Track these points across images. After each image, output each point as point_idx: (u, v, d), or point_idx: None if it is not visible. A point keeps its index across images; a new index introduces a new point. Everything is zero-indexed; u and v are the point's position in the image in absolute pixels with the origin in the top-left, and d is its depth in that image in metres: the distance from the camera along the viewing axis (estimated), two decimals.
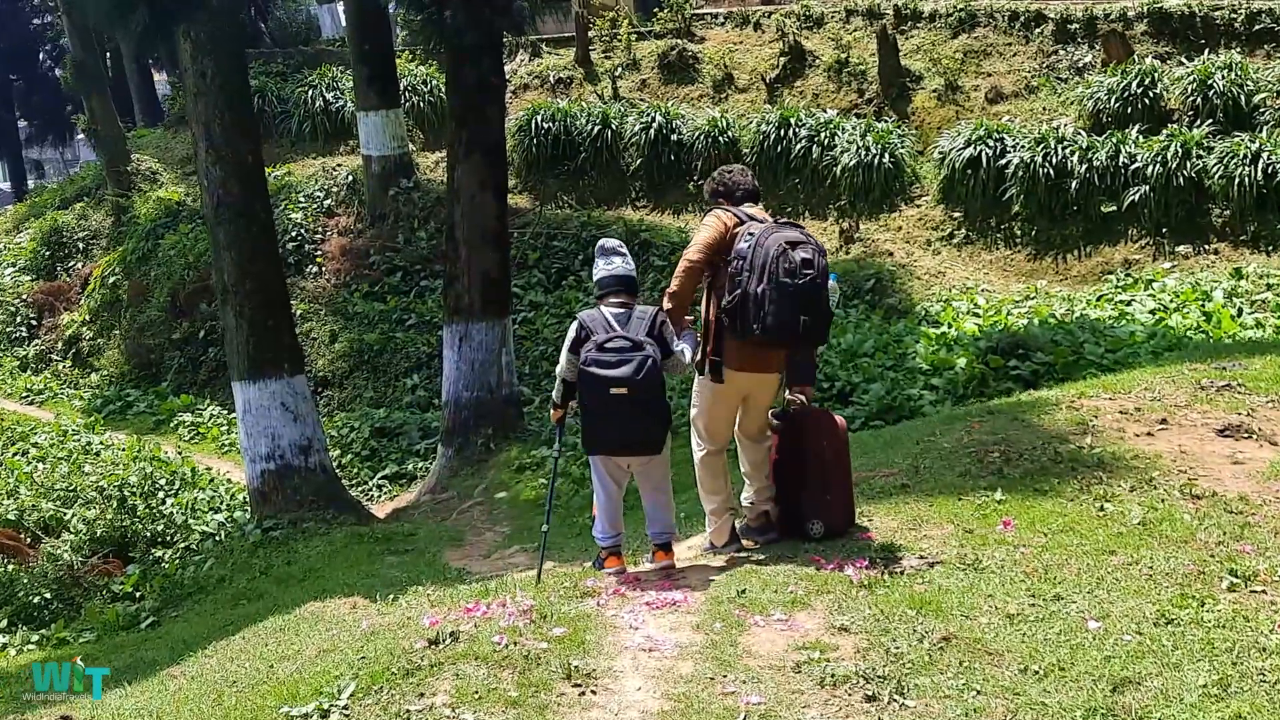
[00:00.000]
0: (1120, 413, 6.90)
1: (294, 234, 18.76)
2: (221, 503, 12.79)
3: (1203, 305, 12.27)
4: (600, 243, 5.65)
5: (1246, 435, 6.43)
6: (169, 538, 12.07)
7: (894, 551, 5.02)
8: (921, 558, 4.88)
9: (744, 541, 5.67)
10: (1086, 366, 11.08)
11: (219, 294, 11.53)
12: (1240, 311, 11.94)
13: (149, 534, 12.09)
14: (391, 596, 6.31)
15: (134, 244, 20.25)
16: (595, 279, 5.57)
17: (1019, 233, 15.81)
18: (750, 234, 5.23)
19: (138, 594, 10.29)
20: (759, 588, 4.74)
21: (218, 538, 11.86)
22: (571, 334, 5.37)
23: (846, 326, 13.79)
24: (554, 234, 18.11)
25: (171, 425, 16.72)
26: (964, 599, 4.37)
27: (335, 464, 14.27)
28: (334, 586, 8.27)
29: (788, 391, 5.55)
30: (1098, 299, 13.50)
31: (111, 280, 20.15)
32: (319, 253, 18.64)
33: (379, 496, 13.57)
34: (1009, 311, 13.81)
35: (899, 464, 6.57)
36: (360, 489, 13.82)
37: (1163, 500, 5.41)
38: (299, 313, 17.54)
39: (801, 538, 5.44)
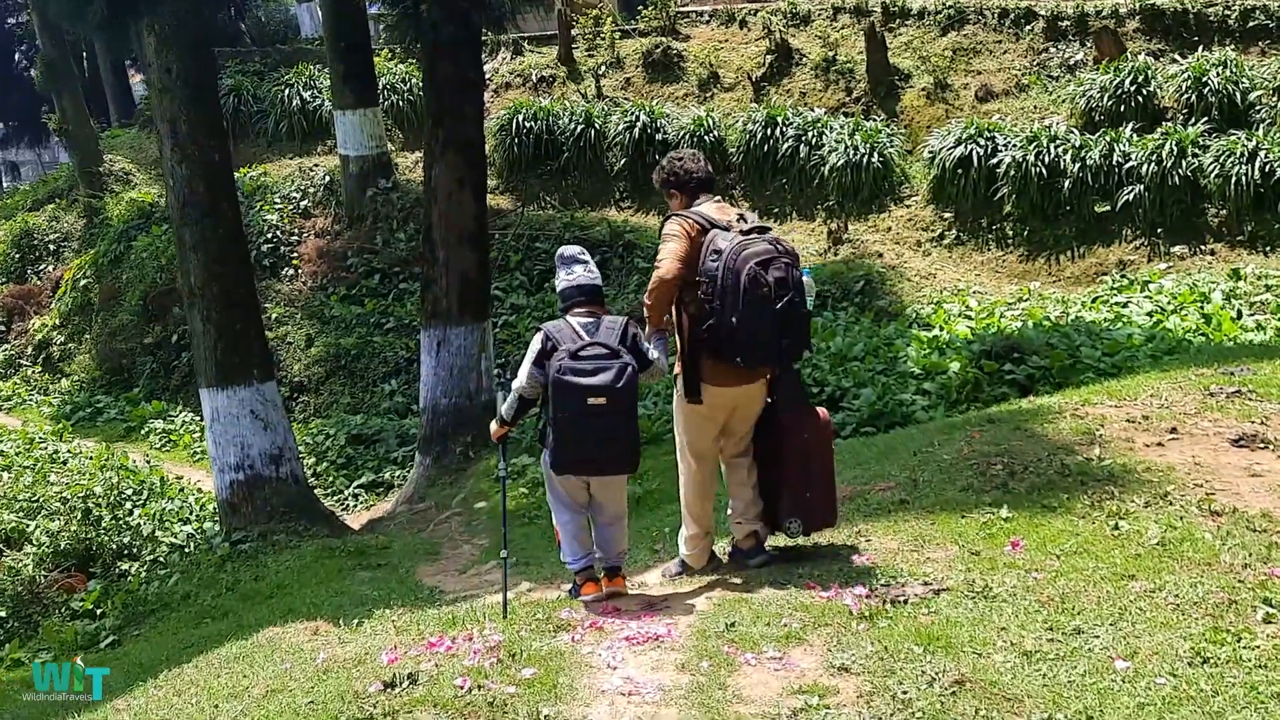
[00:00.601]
0: (1128, 421, 6.54)
1: (269, 235, 18.32)
2: (191, 513, 12.35)
3: (1201, 307, 11.93)
4: (560, 251, 5.28)
5: (1262, 445, 6.07)
6: (135, 550, 11.65)
7: (895, 576, 4.62)
8: (926, 584, 4.49)
9: (730, 564, 5.32)
10: (1084, 370, 10.74)
11: (185, 297, 11.11)
12: (1240, 313, 11.60)
13: (115, 546, 11.67)
14: (356, 621, 5.90)
15: (106, 246, 19.77)
16: (558, 290, 5.20)
17: (1011, 233, 15.47)
18: (717, 250, 4.84)
19: (99, 611, 9.86)
20: (750, 620, 4.34)
21: (187, 549, 11.45)
22: (536, 346, 4.97)
23: (836, 329, 13.44)
24: (536, 235, 17.71)
25: (142, 432, 16.26)
26: (975, 633, 3.98)
27: (310, 473, 13.86)
28: (301, 605, 7.86)
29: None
30: (1093, 301, 13.16)
31: (83, 283, 19.67)
32: (295, 255, 18.20)
33: (355, 506, 13.15)
34: (1002, 314, 13.47)
35: (896, 476, 6.18)
36: (335, 498, 13.40)
37: (1181, 518, 5.04)
38: (274, 316, 17.14)
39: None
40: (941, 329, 13.15)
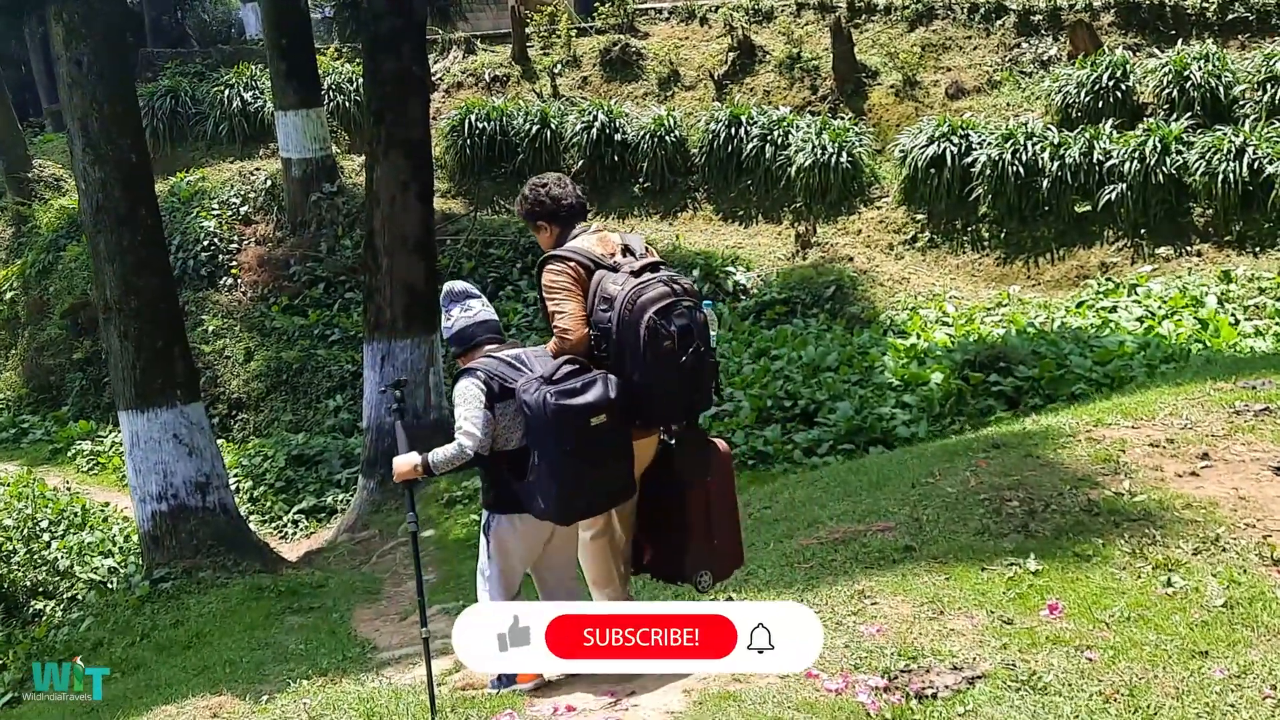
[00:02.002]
0: (1151, 445, 5.79)
1: (206, 243, 17.31)
2: (114, 546, 11.37)
3: (1195, 311, 11.27)
4: (448, 287, 4.53)
5: None
6: (51, 588, 10.68)
7: (916, 658, 3.80)
8: (956, 668, 3.68)
9: None
10: (1074, 381, 10.06)
11: (100, 312, 10.14)
12: (1237, 319, 10.94)
13: (29, 583, 10.70)
14: (266, 697, 5.04)
15: (34, 256, 18.65)
16: (456, 330, 4.39)
17: (987, 235, 14.78)
18: (607, 298, 4.19)
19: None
20: None
21: (109, 585, 10.50)
22: (476, 391, 4.18)
23: (807, 338, 12.69)
24: (490, 241, 16.83)
25: (69, 454, 15.21)
26: None
27: (246, 497, 12.93)
28: (218, 661, 6.97)
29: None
30: (1078, 306, 12.49)
31: (9, 295, 18.55)
32: (234, 263, 17.19)
33: (294, 534, 12.21)
34: (982, 320, 12.78)
35: (895, 514, 5.39)
36: (273, 525, 12.45)
37: (1241, 569, 4.28)
38: (211, 329, 16.18)
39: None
40: (919, 337, 12.46)
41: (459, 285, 4.53)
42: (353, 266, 16.46)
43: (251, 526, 12.46)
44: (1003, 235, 14.63)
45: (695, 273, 14.89)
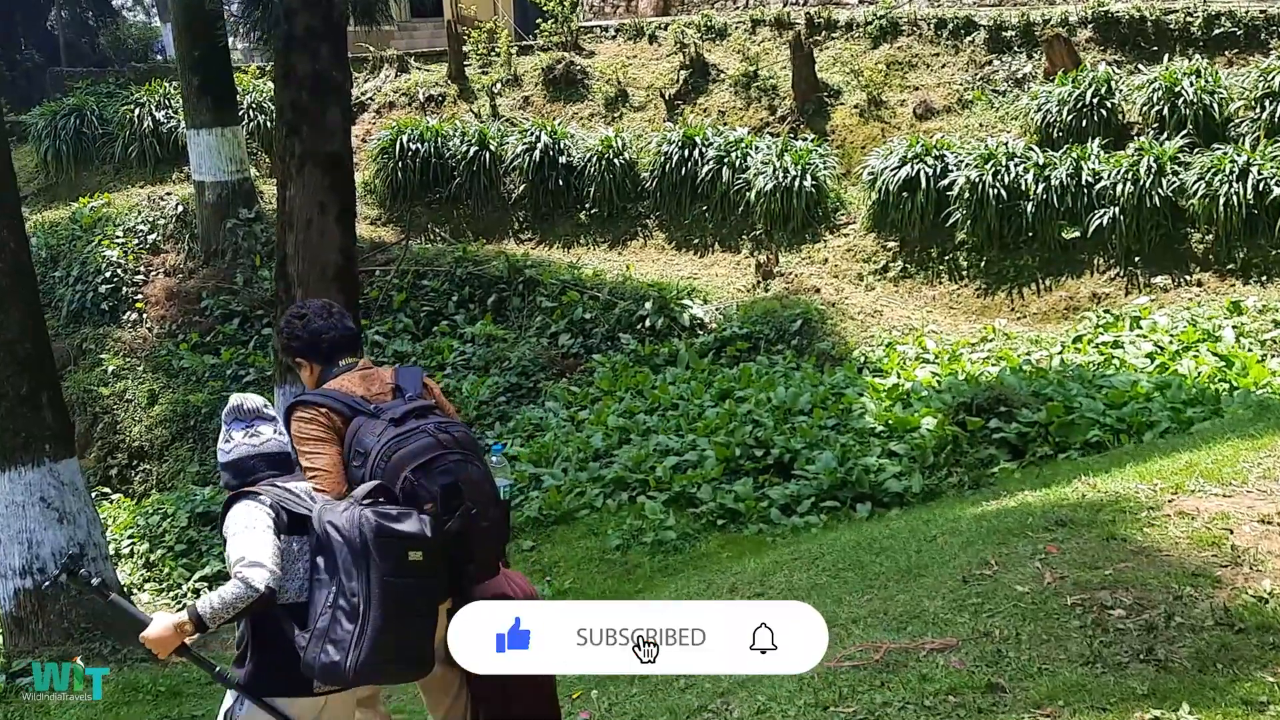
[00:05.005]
0: (1263, 522, 4.51)
1: (108, 274, 15.68)
2: None
3: (1213, 346, 10.12)
4: (235, 402, 3.74)
5: None
6: None
7: None
8: None
9: None
10: (1087, 427, 8.86)
11: None
12: (1263, 356, 9.82)
13: None
14: None
15: None
16: (234, 459, 3.59)
17: (966, 264, 13.63)
18: (361, 449, 3.58)
19: None
20: None
21: None
22: (261, 515, 3.39)
23: (774, 378, 11.40)
24: (423, 272, 15.38)
25: None
26: None
27: (142, 562, 11.35)
28: None
29: None
30: (1075, 341, 11.31)
31: None
32: (139, 296, 15.57)
33: None
34: (968, 357, 11.57)
35: (951, 625, 4.05)
36: (171, 595, 10.83)
37: None
38: (110, 369, 14.56)
39: None
40: (899, 376, 11.21)
41: (251, 402, 3.72)
42: (270, 300, 14.91)
43: (145, 598, 10.90)
44: (983, 264, 13.48)
45: (648, 305, 13.59)
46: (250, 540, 3.31)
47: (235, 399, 3.73)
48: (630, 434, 10.62)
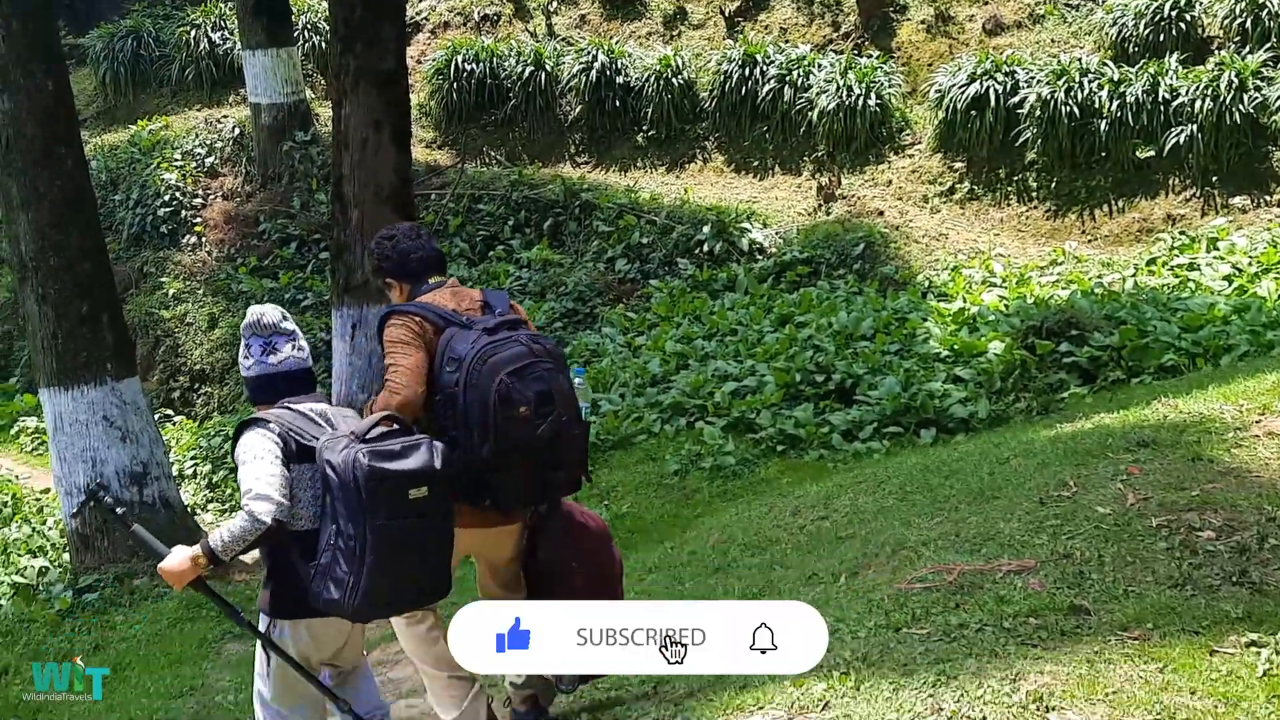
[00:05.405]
0: None
1: (167, 198, 15.70)
2: (45, 542, 9.87)
3: None
4: (253, 316, 3.74)
5: None
6: None
7: None
8: None
9: None
10: (1162, 351, 8.59)
11: (15, 271, 8.64)
12: None
13: None
14: None
15: None
16: (252, 375, 3.66)
17: (1035, 185, 13.23)
18: (454, 355, 3.71)
19: None
20: None
21: (37, 590, 9.03)
22: (269, 444, 3.40)
23: (836, 303, 11.17)
24: (479, 196, 15.24)
25: (12, 432, 13.70)
26: None
27: (205, 483, 11.48)
28: (131, 705, 5.52)
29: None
30: (1149, 264, 10.96)
31: None
32: (198, 220, 15.60)
33: None
34: (1037, 280, 11.27)
35: (1029, 546, 3.89)
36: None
37: None
38: (171, 293, 14.65)
39: None
40: (965, 300, 10.96)
41: (269, 316, 3.73)
42: (327, 223, 14.88)
43: (208, 518, 11.05)
44: (1053, 185, 13.08)
45: (706, 229, 13.38)
46: (257, 470, 3.33)
47: (254, 312, 3.74)
48: (688, 360, 10.50)
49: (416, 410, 3.71)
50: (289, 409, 3.55)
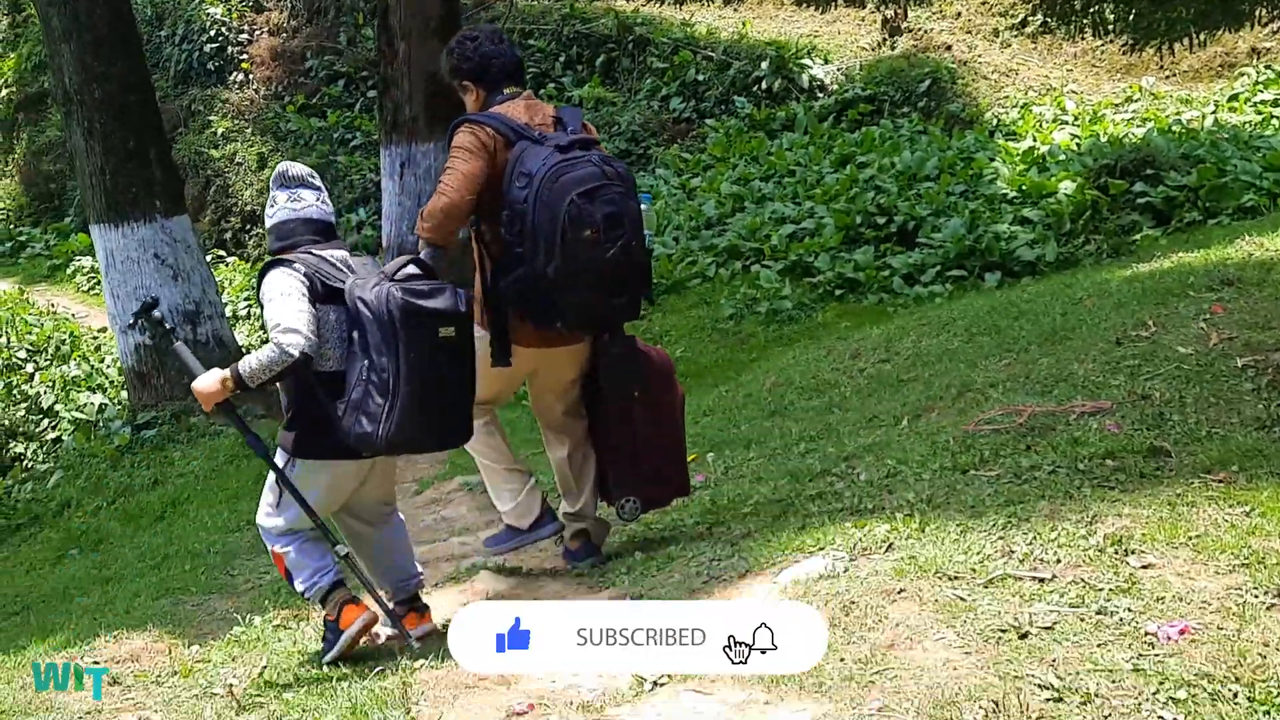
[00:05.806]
0: None
1: (213, 33, 15.43)
2: (104, 380, 9.98)
3: None
4: (281, 169, 3.75)
5: None
6: (31, 428, 9.40)
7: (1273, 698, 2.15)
8: None
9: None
10: (1241, 191, 8.23)
11: (60, 104, 8.51)
12: None
13: (7, 423, 9.44)
14: (194, 645, 3.69)
15: (30, 48, 16.85)
16: (276, 222, 3.65)
17: (1111, 17, 12.58)
18: (525, 173, 3.64)
19: None
20: None
21: (96, 425, 9.16)
22: (296, 283, 3.42)
23: (900, 142, 10.79)
24: (529, 31, 14.79)
25: (68, 271, 13.80)
26: None
27: (258, 324, 11.46)
28: (184, 549, 5.59)
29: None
30: (1230, 100, 10.43)
31: (4, 94, 16.85)
32: (245, 56, 15.32)
33: None
34: (1111, 118, 10.79)
35: (1106, 387, 3.72)
36: None
37: None
38: (220, 131, 14.50)
39: None
40: (1035, 139, 10.53)
41: (295, 169, 3.75)
42: (374, 60, 14.55)
43: None
44: (1130, 17, 12.43)
45: (765, 65, 12.93)
46: (286, 306, 3.36)
47: (282, 165, 3.78)
48: (744, 202, 10.24)
49: (461, 218, 3.70)
50: (312, 254, 3.54)
